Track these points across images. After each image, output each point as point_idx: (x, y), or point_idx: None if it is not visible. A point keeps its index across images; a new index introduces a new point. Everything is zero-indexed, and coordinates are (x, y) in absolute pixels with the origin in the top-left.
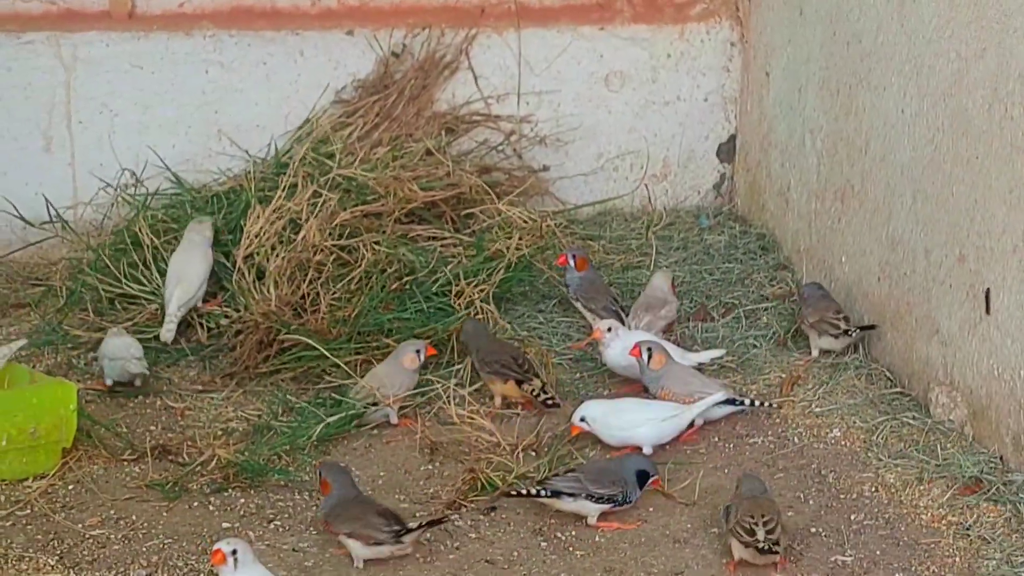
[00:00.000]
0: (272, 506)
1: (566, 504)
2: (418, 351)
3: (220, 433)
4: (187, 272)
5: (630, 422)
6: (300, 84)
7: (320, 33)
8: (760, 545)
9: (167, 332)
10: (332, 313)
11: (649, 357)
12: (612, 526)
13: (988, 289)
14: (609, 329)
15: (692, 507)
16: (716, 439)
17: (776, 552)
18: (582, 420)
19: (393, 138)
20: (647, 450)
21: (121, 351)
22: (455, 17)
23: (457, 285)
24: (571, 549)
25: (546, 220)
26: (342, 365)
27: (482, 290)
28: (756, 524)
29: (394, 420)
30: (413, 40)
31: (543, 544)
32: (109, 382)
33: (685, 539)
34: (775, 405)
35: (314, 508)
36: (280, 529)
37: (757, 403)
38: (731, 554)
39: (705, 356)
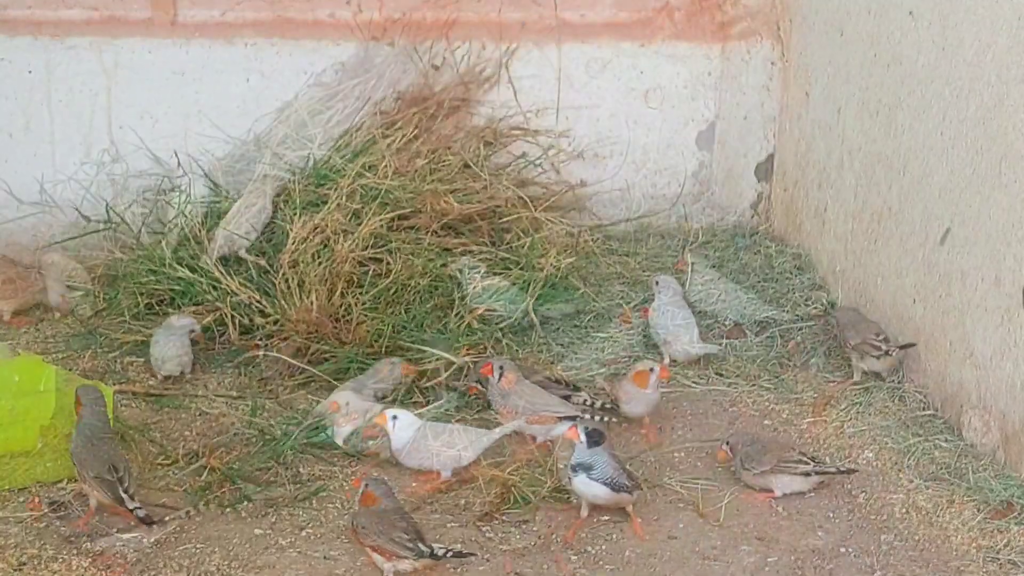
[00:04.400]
0: (304, 514)
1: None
2: (392, 364)
3: (253, 439)
4: (244, 212)
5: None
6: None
7: (361, 44)
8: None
9: (215, 252)
10: (374, 325)
11: (500, 376)
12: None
13: None
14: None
15: (721, 526)
16: None
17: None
18: (394, 418)
19: (431, 150)
20: (445, 474)
21: (169, 349)
22: (496, 31)
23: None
24: (601, 563)
25: (583, 234)
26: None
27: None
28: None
29: (339, 440)
30: (454, 53)
31: (573, 558)
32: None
33: (715, 556)
34: (614, 421)
35: (345, 517)
36: (311, 537)
37: (599, 417)
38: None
39: (701, 349)
